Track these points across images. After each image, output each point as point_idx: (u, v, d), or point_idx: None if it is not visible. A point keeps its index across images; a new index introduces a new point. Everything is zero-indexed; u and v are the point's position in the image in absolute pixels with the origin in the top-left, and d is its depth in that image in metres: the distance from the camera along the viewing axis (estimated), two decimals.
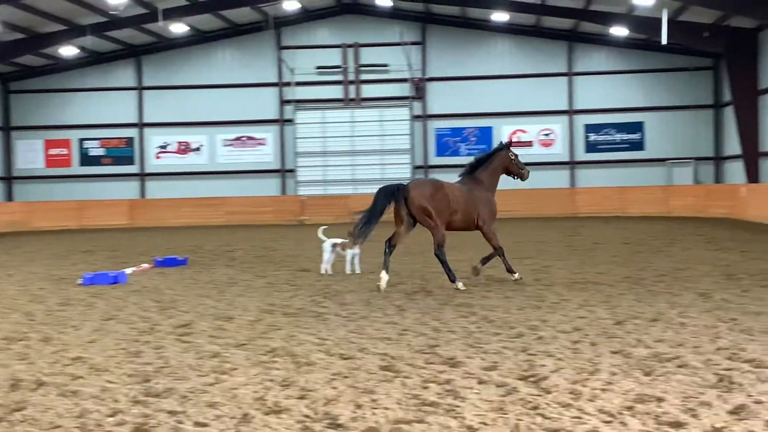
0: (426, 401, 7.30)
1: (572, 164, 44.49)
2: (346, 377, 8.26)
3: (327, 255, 17.78)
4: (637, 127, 44.18)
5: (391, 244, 15.14)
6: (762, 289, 13.86)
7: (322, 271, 17.71)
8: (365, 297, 13.98)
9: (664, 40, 34.01)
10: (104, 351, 9.89)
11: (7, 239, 34.89)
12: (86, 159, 46.70)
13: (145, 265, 20.19)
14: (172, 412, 7.16)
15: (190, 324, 11.71)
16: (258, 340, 10.31)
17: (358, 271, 17.67)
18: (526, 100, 44.67)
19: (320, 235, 18.24)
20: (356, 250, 17.69)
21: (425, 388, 7.78)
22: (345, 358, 9.13)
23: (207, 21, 43.01)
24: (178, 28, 42.52)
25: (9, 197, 46.81)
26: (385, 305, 13.01)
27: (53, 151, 46.78)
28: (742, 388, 7.52)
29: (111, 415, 7.13)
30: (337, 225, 36.87)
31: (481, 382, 7.93)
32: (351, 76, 45.45)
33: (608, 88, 44.31)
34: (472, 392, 7.58)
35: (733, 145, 40.38)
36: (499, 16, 41.69)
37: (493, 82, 44.89)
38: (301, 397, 7.55)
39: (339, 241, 17.92)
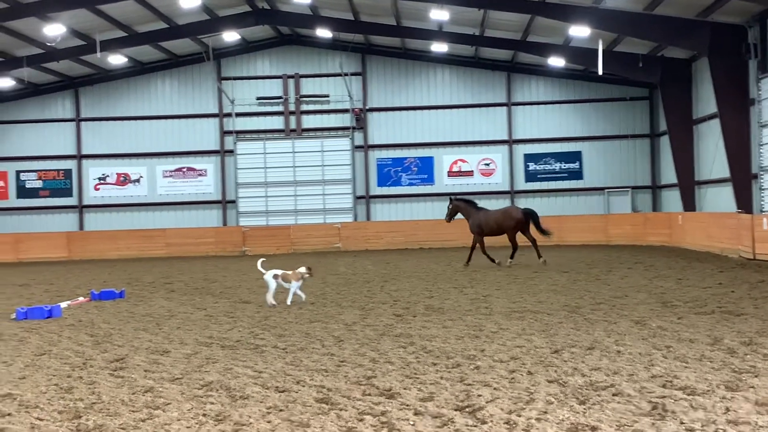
0: None
1: (512, 193, 44.91)
2: (281, 410, 8.18)
3: (273, 286, 17.59)
4: (575, 156, 44.80)
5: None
6: (696, 316, 14.08)
7: (269, 303, 17.51)
8: (304, 328, 13.89)
9: (600, 71, 34.61)
10: (35, 387, 9.68)
11: None
12: (23, 191, 45.88)
13: (81, 299, 19.85)
14: None
15: (124, 358, 11.52)
16: (193, 374, 10.17)
17: (303, 298, 17.67)
18: (466, 130, 45.09)
19: (259, 267, 18.15)
20: (300, 282, 17.62)
21: (360, 420, 7.74)
22: (281, 391, 9.05)
23: (146, 52, 42.73)
24: (117, 60, 42.14)
25: None
26: (324, 336, 12.94)
27: None
28: (675, 415, 7.61)
29: None
30: (278, 256, 36.73)
31: (417, 414, 7.92)
32: (292, 107, 45.46)
33: (547, 118, 44.92)
34: (407, 424, 7.55)
35: (669, 173, 41.15)
36: (439, 47, 42.12)
37: (434, 113, 45.26)
38: None
39: (279, 272, 17.77)
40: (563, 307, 15.81)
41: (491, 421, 7.58)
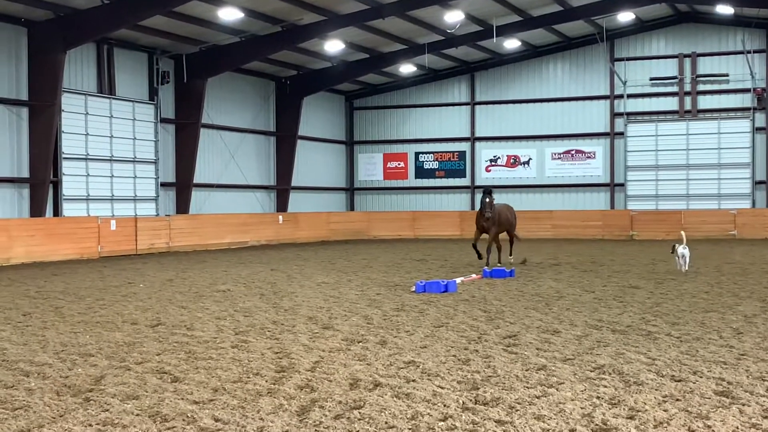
0: None
1: None
2: (677, 400, 7.95)
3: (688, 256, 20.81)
4: None
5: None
6: None
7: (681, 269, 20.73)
8: (699, 318, 13.35)
9: None
10: (435, 357, 10.26)
11: (349, 246, 37.25)
12: (421, 172, 48.74)
13: (474, 275, 20.67)
14: (499, 422, 7.28)
15: (516, 335, 11.83)
16: (585, 356, 10.19)
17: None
18: None
19: (683, 235, 21.47)
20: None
21: (766, 417, 7.29)
22: (677, 380, 8.79)
23: (539, 36, 43.28)
24: (511, 44, 43.19)
25: (351, 207, 49.99)
26: (721, 327, 12.35)
27: (391, 164, 49.33)
28: None
29: (442, 420, 7.38)
30: (665, 242, 35.59)
31: None
32: (687, 87, 43.67)
33: None
34: None
35: None
36: None
37: None
38: (630, 417, 7.37)
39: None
40: None
41: None
